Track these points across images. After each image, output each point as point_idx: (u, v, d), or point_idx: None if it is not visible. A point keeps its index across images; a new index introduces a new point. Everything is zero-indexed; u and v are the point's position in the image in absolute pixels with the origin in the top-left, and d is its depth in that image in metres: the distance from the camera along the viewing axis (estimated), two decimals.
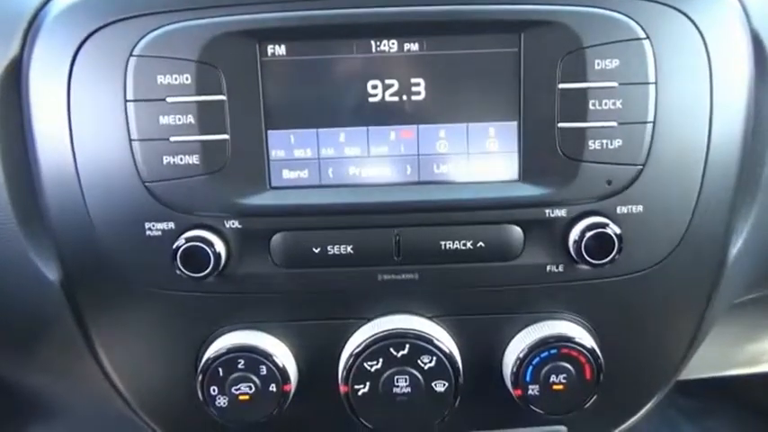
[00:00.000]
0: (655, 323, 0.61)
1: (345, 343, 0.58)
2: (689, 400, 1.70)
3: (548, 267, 0.57)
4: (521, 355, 0.56)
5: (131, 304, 0.59)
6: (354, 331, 0.57)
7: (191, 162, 0.54)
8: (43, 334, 0.65)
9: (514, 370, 0.56)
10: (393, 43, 0.54)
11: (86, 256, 0.57)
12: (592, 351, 0.56)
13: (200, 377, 0.56)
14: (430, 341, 0.56)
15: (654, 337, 0.62)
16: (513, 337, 0.58)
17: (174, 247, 0.54)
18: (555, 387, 0.56)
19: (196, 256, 0.54)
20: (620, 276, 0.58)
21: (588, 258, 0.54)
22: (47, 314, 0.61)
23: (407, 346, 0.55)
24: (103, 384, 0.64)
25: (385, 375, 0.56)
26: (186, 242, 0.54)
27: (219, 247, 0.55)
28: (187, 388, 0.58)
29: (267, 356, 0.56)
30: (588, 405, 0.58)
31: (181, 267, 0.54)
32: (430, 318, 0.58)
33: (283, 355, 0.57)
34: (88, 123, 0.55)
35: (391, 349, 0.55)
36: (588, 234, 0.54)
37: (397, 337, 0.55)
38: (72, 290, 0.59)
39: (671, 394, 1.85)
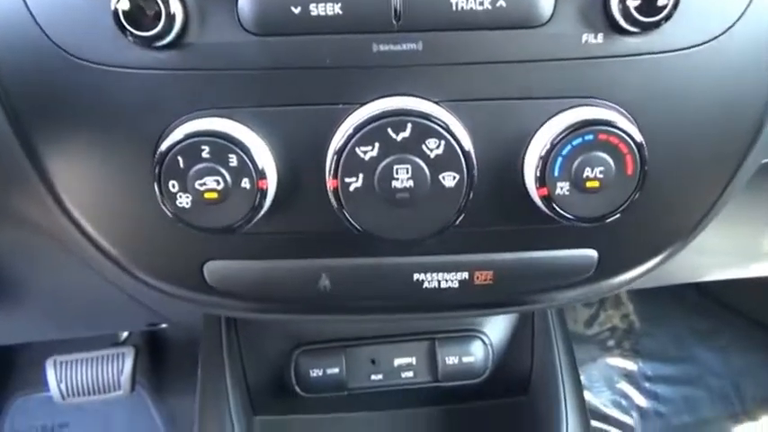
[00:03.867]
0: (702, 127, 0.50)
1: (333, 133, 0.47)
2: (701, 319, 1.64)
3: (584, 37, 0.46)
4: (549, 145, 0.46)
5: (72, 90, 0.48)
6: (344, 118, 0.47)
7: None
8: None
9: (540, 164, 0.46)
10: None
11: (15, 32, 0.47)
12: (637, 142, 0.46)
13: (156, 170, 0.46)
14: (437, 121, 0.45)
15: (698, 146, 0.51)
16: (538, 127, 0.47)
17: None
18: (588, 184, 0.46)
19: (144, 12, 0.43)
20: (669, 52, 0.47)
21: (636, 16, 0.43)
22: None
23: (409, 126, 0.45)
24: (61, 221, 0.54)
25: (382, 165, 0.45)
26: None
27: (175, 5, 0.43)
28: (148, 199, 0.48)
29: (237, 144, 0.45)
30: (625, 208, 0.47)
31: (124, 23, 0.43)
32: (437, 102, 0.47)
33: (258, 146, 0.47)
34: None
35: (389, 131, 0.45)
36: None
37: (397, 116, 0.45)
38: (2, 82, 0.48)
39: (684, 314, 1.80)
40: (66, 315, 0.97)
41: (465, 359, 0.74)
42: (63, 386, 1.34)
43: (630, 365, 1.57)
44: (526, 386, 0.78)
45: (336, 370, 0.73)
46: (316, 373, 0.73)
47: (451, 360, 0.74)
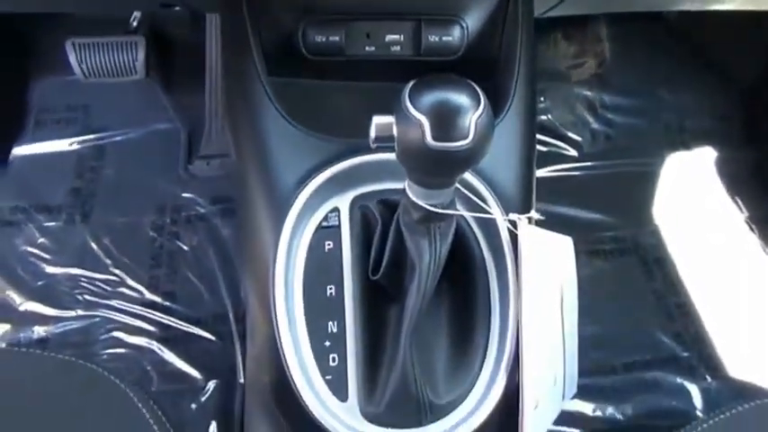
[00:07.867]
0: None
1: None
2: (667, 61, 1.76)
3: None
4: None
5: None
6: None
7: None
8: None
9: None
10: None
11: None
12: None
13: None
14: None
15: None
16: None
17: None
18: None
19: None
20: None
21: None
22: None
23: None
24: None
25: None
26: None
27: None
28: None
29: None
30: None
31: None
32: None
33: None
34: None
35: None
36: None
37: None
38: None
39: (653, 55, 1.89)
40: None
41: (444, 38, 0.88)
42: (84, 66, 1.48)
43: (592, 95, 1.74)
44: (493, 70, 0.93)
45: (337, 38, 0.86)
46: (319, 38, 0.86)
47: (433, 38, 0.88)
